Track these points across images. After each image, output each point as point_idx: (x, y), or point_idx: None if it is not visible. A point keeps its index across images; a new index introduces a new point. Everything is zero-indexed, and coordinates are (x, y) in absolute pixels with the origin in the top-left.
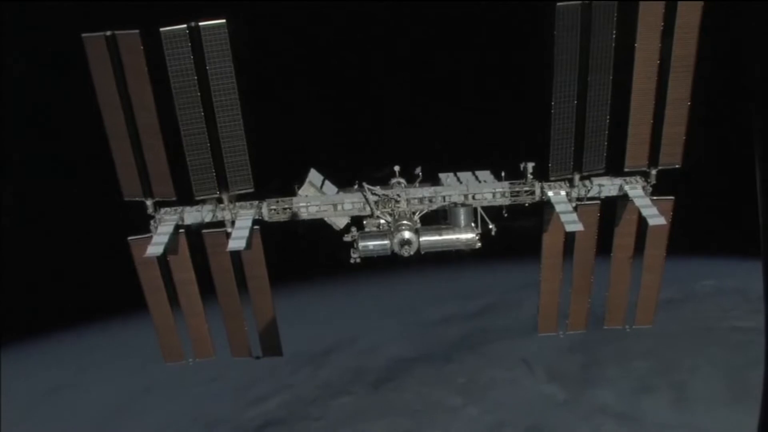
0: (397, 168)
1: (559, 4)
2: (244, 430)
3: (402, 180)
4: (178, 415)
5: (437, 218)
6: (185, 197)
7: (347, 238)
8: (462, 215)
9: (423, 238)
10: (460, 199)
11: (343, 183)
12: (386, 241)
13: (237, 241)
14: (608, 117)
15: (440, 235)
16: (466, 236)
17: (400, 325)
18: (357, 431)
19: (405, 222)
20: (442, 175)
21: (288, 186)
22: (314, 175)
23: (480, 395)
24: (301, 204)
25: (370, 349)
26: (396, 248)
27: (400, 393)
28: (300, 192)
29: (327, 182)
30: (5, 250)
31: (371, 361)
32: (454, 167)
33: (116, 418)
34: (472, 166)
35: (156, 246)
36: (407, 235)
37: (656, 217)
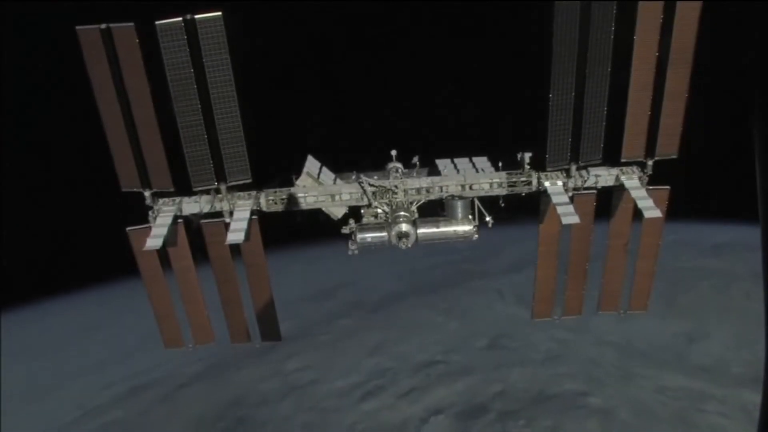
0: (394, 152)
1: (557, 2)
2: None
3: (399, 164)
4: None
5: (435, 207)
6: (184, 187)
7: (345, 230)
8: (459, 208)
9: (420, 231)
10: (457, 190)
11: (342, 167)
12: (384, 234)
13: (236, 234)
14: (606, 108)
15: (438, 227)
16: (463, 228)
17: (393, 271)
18: (356, 341)
19: (402, 213)
20: (439, 162)
21: (286, 176)
22: (311, 162)
23: (458, 315)
24: (299, 194)
25: (367, 288)
26: (394, 240)
27: (393, 315)
28: (298, 182)
29: (324, 168)
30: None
31: (368, 296)
32: (451, 154)
33: (146, 346)
34: (470, 153)
35: (155, 238)
36: (405, 227)
37: (652, 210)
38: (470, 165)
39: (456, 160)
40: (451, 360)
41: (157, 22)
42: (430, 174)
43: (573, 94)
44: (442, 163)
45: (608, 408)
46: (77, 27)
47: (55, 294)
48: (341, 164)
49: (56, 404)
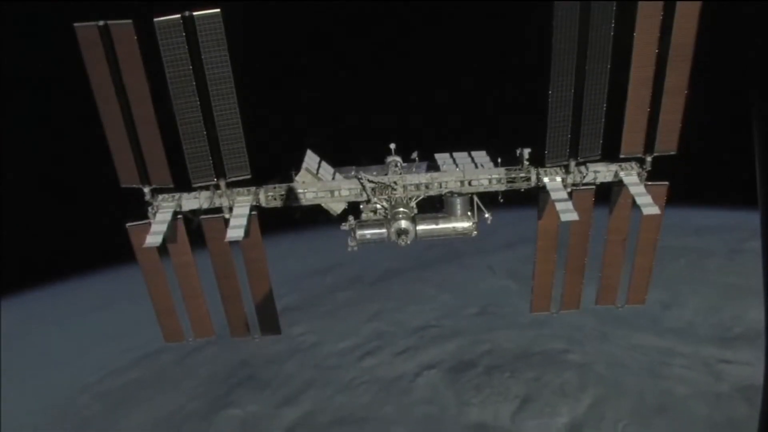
0: (392, 146)
1: (556, 2)
2: None
3: (398, 158)
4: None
5: (433, 201)
6: (184, 183)
7: (344, 227)
8: (458, 205)
9: (420, 227)
10: (456, 186)
11: (341, 161)
12: (383, 230)
13: (235, 231)
14: (605, 105)
15: (437, 224)
16: (462, 225)
17: (390, 250)
18: (356, 310)
19: (401, 209)
20: (438, 156)
21: (285, 174)
22: (310, 157)
23: (451, 288)
24: (298, 190)
25: (365, 266)
26: (393, 237)
27: (390, 289)
28: (297, 178)
29: (323, 163)
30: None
31: (367, 271)
32: (450, 148)
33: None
34: (469, 147)
35: (155, 235)
36: (404, 224)
37: (650, 207)
38: (469, 159)
39: (455, 154)
40: (444, 325)
41: (155, 19)
42: (429, 168)
43: (572, 91)
44: (441, 157)
45: (585, 362)
46: (75, 24)
47: (70, 276)
48: (340, 158)
49: (80, 367)
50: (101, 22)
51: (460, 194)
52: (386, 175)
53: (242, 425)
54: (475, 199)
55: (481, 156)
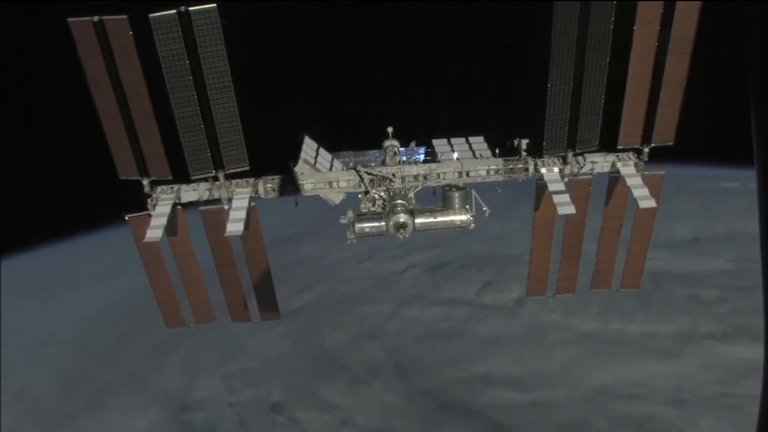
0: (390, 129)
1: (556, 2)
2: (277, 237)
3: (395, 142)
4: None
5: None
6: (184, 174)
7: (343, 220)
8: (457, 199)
9: (418, 220)
10: (454, 176)
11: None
12: (382, 224)
13: (235, 225)
14: (603, 97)
15: (435, 217)
16: (460, 218)
17: None
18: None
19: (400, 201)
20: (435, 142)
21: (285, 163)
22: (308, 144)
23: None
24: (297, 182)
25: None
26: (392, 231)
27: None
28: (296, 170)
29: (321, 150)
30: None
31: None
32: (448, 134)
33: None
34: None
35: (155, 229)
36: (402, 218)
37: (646, 200)
38: (467, 146)
39: (452, 140)
40: (426, 240)
41: (150, 15)
42: (427, 153)
43: (571, 84)
44: (439, 143)
45: None
46: (69, 19)
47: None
48: (339, 147)
49: (107, 292)
50: (96, 18)
51: (458, 188)
52: (384, 160)
53: None
54: (474, 193)
55: (478, 142)
